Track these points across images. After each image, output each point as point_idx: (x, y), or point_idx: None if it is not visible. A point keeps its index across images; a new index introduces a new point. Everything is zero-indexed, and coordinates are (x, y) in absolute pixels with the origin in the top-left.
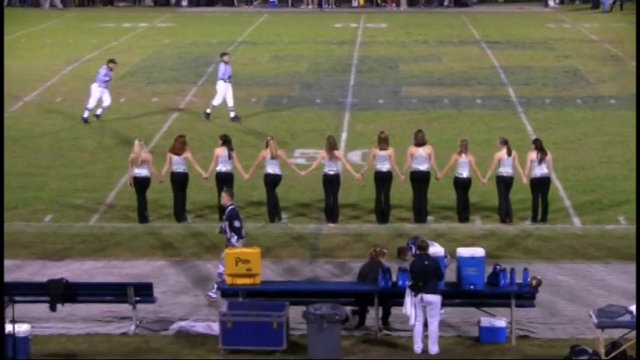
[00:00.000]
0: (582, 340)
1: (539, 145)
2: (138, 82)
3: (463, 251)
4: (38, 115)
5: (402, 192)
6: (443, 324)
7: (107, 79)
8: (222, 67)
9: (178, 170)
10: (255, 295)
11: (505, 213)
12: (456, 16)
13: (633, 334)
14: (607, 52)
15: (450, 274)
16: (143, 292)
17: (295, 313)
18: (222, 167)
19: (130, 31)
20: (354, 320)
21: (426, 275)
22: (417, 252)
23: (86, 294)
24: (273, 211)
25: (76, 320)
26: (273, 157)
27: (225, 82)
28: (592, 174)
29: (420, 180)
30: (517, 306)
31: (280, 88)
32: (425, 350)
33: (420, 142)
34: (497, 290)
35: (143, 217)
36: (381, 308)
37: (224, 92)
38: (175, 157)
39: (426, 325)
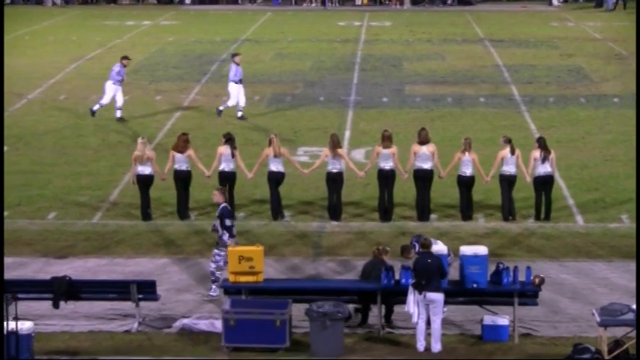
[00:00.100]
0: (585, 338)
1: (542, 144)
2: (141, 80)
3: (466, 249)
4: (42, 113)
5: (405, 190)
6: (446, 322)
7: (119, 77)
8: (233, 68)
9: (181, 168)
10: (258, 293)
11: (508, 211)
12: (459, 15)
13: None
14: (611, 50)
15: (453, 273)
16: (146, 289)
17: (298, 310)
18: (225, 166)
19: (133, 29)
20: (356, 318)
21: (429, 273)
22: (420, 250)
23: (89, 291)
24: (277, 209)
25: (79, 318)
26: (276, 155)
27: (236, 83)
28: (595, 172)
29: (423, 178)
30: (520, 304)
31: (284, 86)
32: (428, 348)
33: (423, 141)
34: (500, 288)
35: (146, 215)
36: (383, 306)
37: (237, 94)
38: (178, 155)
39: (428, 323)
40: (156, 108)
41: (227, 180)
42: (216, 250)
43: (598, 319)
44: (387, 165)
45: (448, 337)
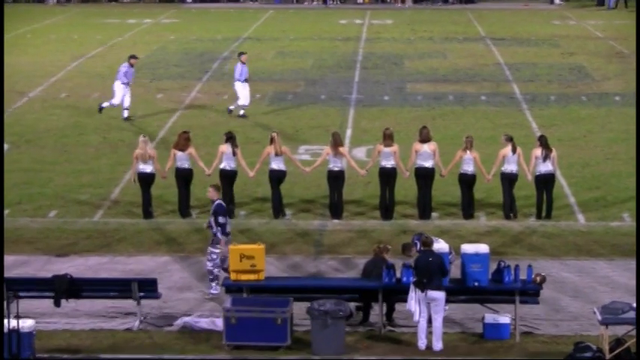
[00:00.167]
0: (586, 336)
1: (544, 142)
2: (143, 78)
3: (467, 248)
4: (43, 111)
5: (406, 188)
6: (447, 320)
7: (126, 79)
8: (239, 67)
9: (183, 166)
10: (259, 291)
11: (509, 209)
12: (461, 13)
13: None
14: (612, 49)
15: (454, 271)
16: (147, 287)
17: (299, 309)
18: (227, 164)
19: (134, 27)
20: (358, 316)
21: (430, 271)
22: (422, 248)
23: (90, 289)
24: (278, 208)
25: (81, 316)
26: (277, 154)
27: (241, 82)
28: (596, 171)
29: (424, 176)
30: (521, 302)
31: (285, 85)
32: (429, 346)
33: (424, 139)
34: (501, 287)
35: (147, 213)
36: (385, 304)
37: (247, 92)
38: (180, 154)
39: (430, 321)
40: (157, 106)
41: (228, 178)
42: (211, 249)
43: (599, 317)
44: (389, 163)
45: (449, 336)
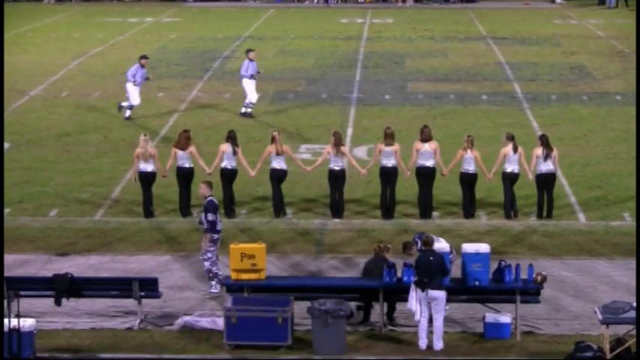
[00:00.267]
0: (587, 336)
1: (545, 141)
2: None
3: (468, 247)
4: (44, 110)
5: (407, 188)
6: (448, 320)
7: (134, 79)
8: (245, 63)
9: (184, 165)
10: (260, 291)
11: (510, 208)
12: (462, 12)
13: None
14: (613, 48)
15: (455, 270)
16: (148, 286)
17: (300, 308)
18: (227, 163)
19: (135, 25)
20: (358, 316)
21: (431, 271)
22: (423, 247)
23: (91, 289)
24: (279, 207)
25: (81, 315)
26: (278, 153)
27: (247, 79)
28: (597, 170)
29: (425, 176)
30: (522, 302)
31: (286, 84)
32: (430, 346)
33: (426, 138)
34: (502, 286)
35: (148, 212)
36: (385, 304)
37: (253, 88)
38: (180, 152)
39: (430, 320)
40: (158, 105)
41: (228, 177)
42: (206, 248)
43: (600, 316)
44: (390, 162)
45: (450, 335)
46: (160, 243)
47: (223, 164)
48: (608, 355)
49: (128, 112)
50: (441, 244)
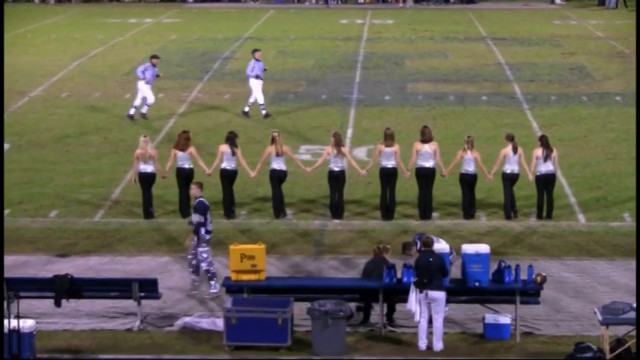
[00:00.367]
0: (587, 337)
1: (545, 142)
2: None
3: (468, 248)
4: (44, 111)
5: (407, 188)
6: (448, 320)
7: (144, 76)
8: (251, 63)
9: (184, 166)
10: (259, 291)
11: (510, 207)
12: (462, 13)
13: None
14: (613, 48)
15: (455, 271)
16: (148, 287)
17: (300, 309)
18: (227, 164)
19: (135, 26)
20: (358, 316)
21: (430, 272)
22: (422, 248)
23: (91, 290)
24: (279, 207)
25: (81, 316)
26: (278, 154)
27: (254, 79)
28: (597, 171)
29: (425, 176)
30: (522, 303)
31: (286, 84)
32: (429, 347)
33: (426, 139)
34: (502, 287)
35: (148, 213)
36: (385, 305)
37: (260, 88)
38: (180, 153)
39: (430, 321)
40: (158, 106)
41: (228, 178)
42: (200, 249)
43: (600, 317)
44: (389, 163)
45: (450, 336)
46: (160, 244)
47: (223, 165)
48: (608, 356)
49: (145, 109)
50: (441, 245)
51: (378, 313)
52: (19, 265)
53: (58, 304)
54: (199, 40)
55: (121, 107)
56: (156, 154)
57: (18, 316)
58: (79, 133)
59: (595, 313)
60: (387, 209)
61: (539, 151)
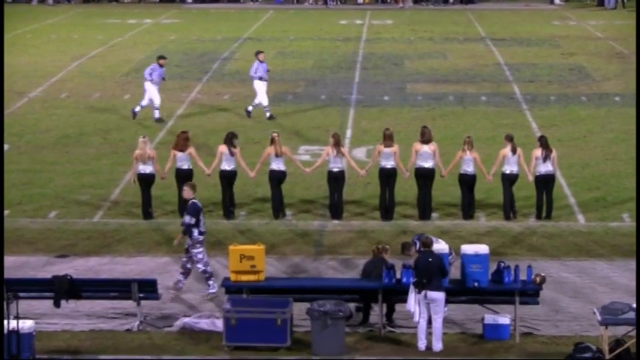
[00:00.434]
0: (586, 337)
1: (544, 143)
2: (143, 78)
3: (467, 248)
4: (43, 111)
5: (406, 189)
6: (447, 321)
7: (151, 77)
8: (255, 65)
9: (183, 167)
10: (259, 292)
11: (509, 209)
12: (461, 13)
13: None
14: (612, 49)
15: (454, 271)
16: (147, 288)
17: (299, 309)
18: (226, 165)
19: (135, 27)
20: (358, 317)
21: (430, 272)
22: (421, 249)
23: (90, 290)
24: (278, 208)
25: (80, 316)
26: (278, 154)
27: (257, 80)
28: (597, 171)
29: (424, 177)
30: (521, 303)
31: (285, 85)
32: (429, 347)
33: (426, 139)
34: (501, 287)
35: (147, 214)
36: (385, 305)
37: (264, 90)
38: (180, 154)
39: (430, 322)
40: None
41: (227, 179)
42: (194, 250)
43: (599, 317)
44: (389, 164)
45: (449, 336)
46: (159, 244)
47: (222, 166)
48: (607, 356)
49: (156, 113)
50: (440, 246)
51: (377, 313)
52: (19, 265)
53: (57, 304)
54: (198, 40)
55: (121, 108)
56: (155, 154)
57: (17, 317)
58: (78, 133)
59: (594, 313)
60: (387, 210)
61: (538, 152)
